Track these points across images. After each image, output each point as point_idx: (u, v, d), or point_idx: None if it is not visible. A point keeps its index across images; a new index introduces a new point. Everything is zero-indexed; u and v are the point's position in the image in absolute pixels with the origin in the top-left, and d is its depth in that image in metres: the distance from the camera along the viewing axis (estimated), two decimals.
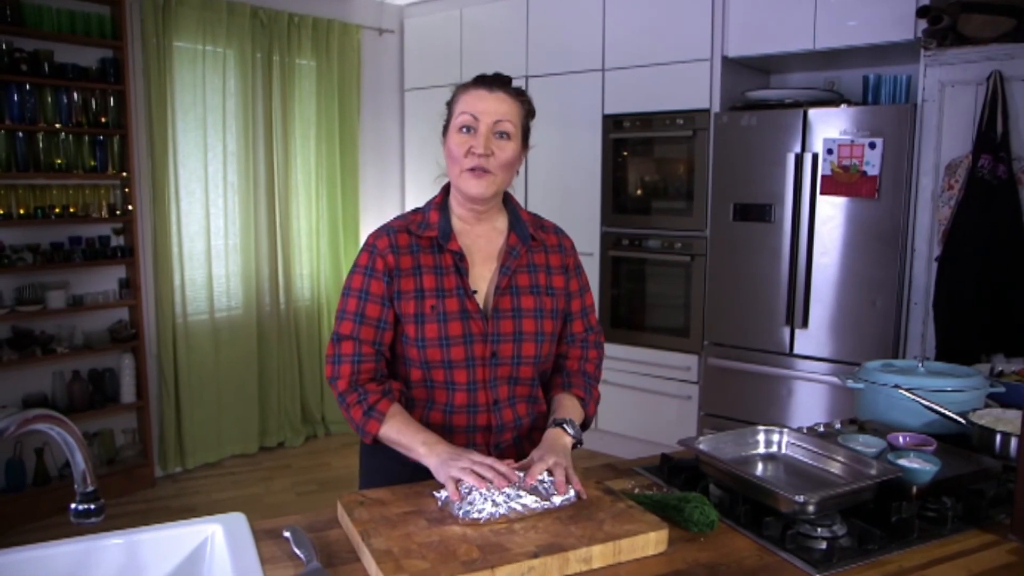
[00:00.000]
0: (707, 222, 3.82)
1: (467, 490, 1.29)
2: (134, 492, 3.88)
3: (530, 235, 1.62)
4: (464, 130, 1.51)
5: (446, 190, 1.64)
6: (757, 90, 3.78)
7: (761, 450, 1.58)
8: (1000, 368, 2.20)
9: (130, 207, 3.82)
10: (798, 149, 3.45)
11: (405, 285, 1.53)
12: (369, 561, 1.14)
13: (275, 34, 4.43)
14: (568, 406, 1.59)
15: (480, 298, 1.56)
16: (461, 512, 1.25)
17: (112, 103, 3.72)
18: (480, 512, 1.24)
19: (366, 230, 5.06)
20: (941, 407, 1.72)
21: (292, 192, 4.61)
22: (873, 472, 1.38)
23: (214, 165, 4.23)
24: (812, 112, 3.42)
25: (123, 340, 3.83)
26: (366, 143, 5.06)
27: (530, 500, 1.28)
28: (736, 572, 1.18)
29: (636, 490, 1.45)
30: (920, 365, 1.93)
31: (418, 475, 1.44)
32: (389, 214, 5.25)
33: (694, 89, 3.85)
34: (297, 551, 1.20)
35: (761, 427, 1.61)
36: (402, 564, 1.11)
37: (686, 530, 1.31)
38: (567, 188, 4.39)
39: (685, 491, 1.41)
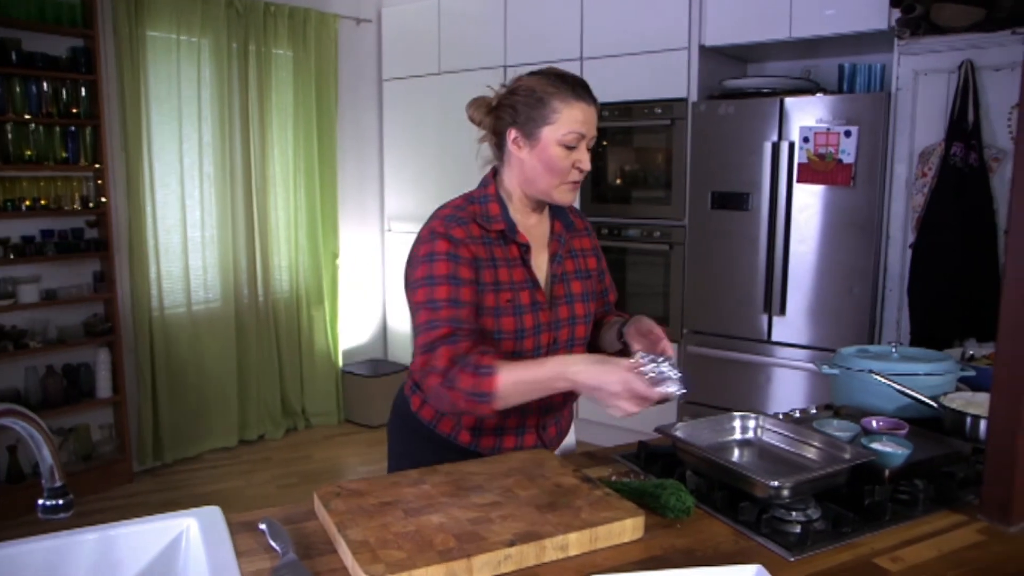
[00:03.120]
0: (686, 211, 3.84)
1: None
2: (112, 488, 3.85)
3: (571, 221, 1.69)
4: (568, 145, 1.51)
5: (492, 179, 1.62)
6: (735, 79, 3.79)
7: (737, 436, 1.59)
8: (972, 352, 2.22)
9: (104, 199, 3.77)
10: (775, 137, 3.47)
11: (485, 277, 1.52)
12: (345, 552, 1.14)
13: (251, 23, 4.38)
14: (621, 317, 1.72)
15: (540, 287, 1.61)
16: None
17: (84, 93, 3.67)
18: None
19: (345, 221, 5.05)
20: (914, 391, 1.74)
21: (270, 183, 4.58)
22: (846, 456, 1.40)
23: (190, 156, 4.19)
24: (788, 101, 3.44)
25: (98, 334, 3.79)
26: (344, 133, 5.03)
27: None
28: (712, 557, 1.19)
29: (613, 477, 1.46)
30: (894, 350, 1.95)
31: (446, 454, 1.51)
32: (369, 205, 5.26)
33: (672, 78, 3.86)
34: (273, 543, 1.20)
35: (737, 413, 1.62)
36: (378, 555, 1.10)
37: (663, 516, 1.31)
38: None
39: (662, 478, 1.42)
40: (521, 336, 1.54)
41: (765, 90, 3.63)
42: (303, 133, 4.68)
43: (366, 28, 5.11)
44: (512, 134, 1.54)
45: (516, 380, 1.39)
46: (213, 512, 1.28)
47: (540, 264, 1.61)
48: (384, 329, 5.43)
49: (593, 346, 1.74)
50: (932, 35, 3.10)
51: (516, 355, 1.53)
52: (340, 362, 5.01)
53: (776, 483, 1.28)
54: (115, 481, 3.88)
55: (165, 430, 4.14)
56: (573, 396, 1.67)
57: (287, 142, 4.63)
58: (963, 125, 3.01)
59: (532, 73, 1.56)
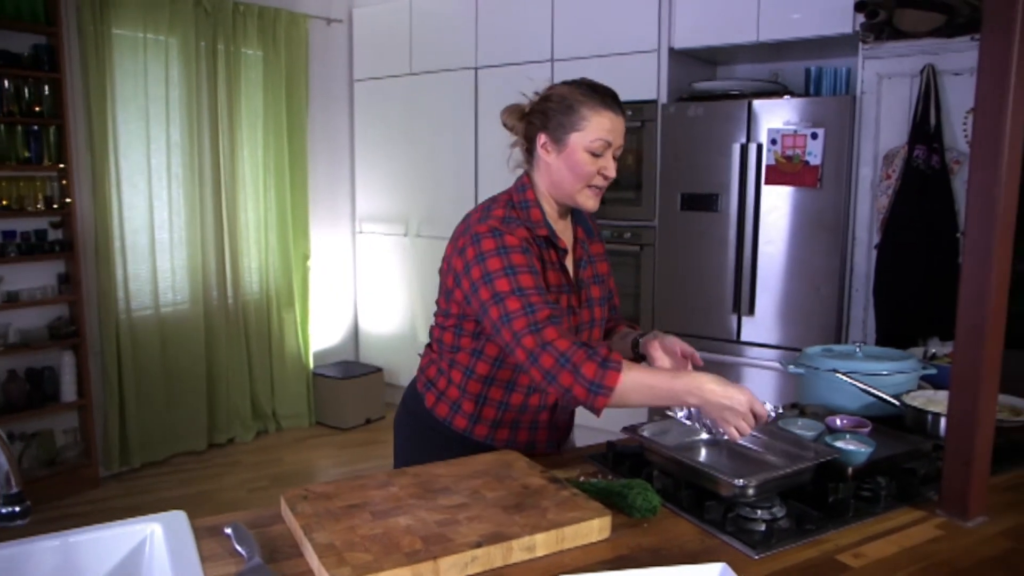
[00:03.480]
0: (656, 212, 3.86)
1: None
2: (77, 493, 3.79)
3: (591, 228, 1.76)
4: (595, 152, 1.55)
5: (528, 182, 1.65)
6: (704, 81, 3.83)
7: (703, 436, 1.60)
8: (934, 351, 2.27)
9: (68, 200, 3.71)
10: (743, 139, 3.51)
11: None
12: (311, 555, 1.13)
13: (220, 23, 4.34)
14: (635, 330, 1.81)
15: None
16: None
17: (47, 92, 3.61)
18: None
19: (316, 222, 5.01)
20: (876, 390, 1.77)
21: (239, 184, 4.53)
22: (810, 455, 1.42)
23: (158, 157, 4.13)
24: (756, 103, 3.47)
25: (63, 337, 3.73)
26: (315, 134, 4.99)
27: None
28: (678, 556, 1.21)
29: (581, 478, 1.46)
30: (858, 350, 1.98)
31: (460, 451, 1.57)
32: (340, 206, 5.24)
33: (642, 80, 3.88)
34: (239, 548, 1.19)
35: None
36: (345, 557, 1.10)
37: (629, 516, 1.32)
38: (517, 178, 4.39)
39: (629, 478, 1.43)
40: None
41: (733, 92, 3.67)
42: (273, 134, 4.64)
43: (337, 28, 5.09)
44: (542, 139, 1.59)
45: (638, 383, 1.40)
46: (178, 517, 1.27)
47: (569, 268, 1.68)
48: (356, 331, 5.40)
49: None
50: (895, 40, 3.15)
51: None
52: (311, 364, 4.98)
53: (741, 482, 1.29)
54: (80, 487, 3.82)
55: (132, 434, 4.07)
56: None
57: (257, 143, 4.58)
58: (925, 128, 3.07)
59: (565, 82, 1.61)
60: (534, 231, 1.58)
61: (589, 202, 1.60)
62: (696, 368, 1.58)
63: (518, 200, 1.62)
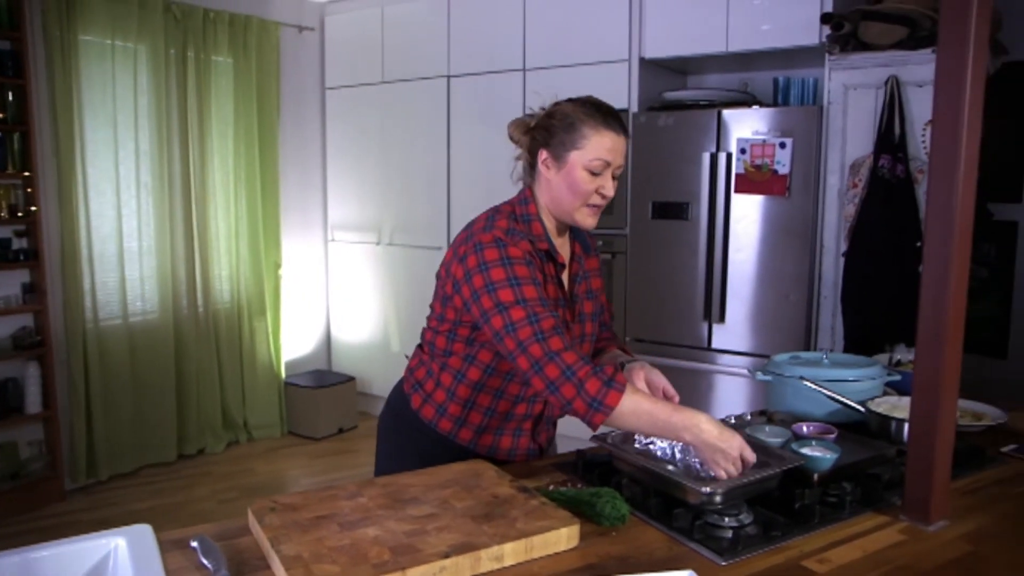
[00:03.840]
0: (627, 220, 3.89)
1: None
2: (42, 507, 3.72)
3: (588, 242, 1.77)
4: (594, 170, 1.56)
5: (530, 196, 1.67)
6: (674, 91, 3.87)
7: (673, 444, 1.61)
8: (899, 357, 2.31)
9: (34, 208, 3.65)
10: (713, 148, 3.55)
11: None
12: (279, 568, 1.13)
13: (190, 30, 4.31)
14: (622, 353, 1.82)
15: None
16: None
17: (11, 98, 3.55)
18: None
19: (287, 231, 4.98)
20: (842, 397, 1.80)
21: (210, 193, 4.49)
22: (776, 462, 1.44)
23: (126, 165, 4.09)
24: (726, 112, 3.52)
25: (27, 347, 3.66)
26: (286, 142, 4.96)
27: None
28: (646, 563, 1.21)
29: (550, 487, 1.47)
30: (825, 357, 2.01)
31: (443, 452, 1.62)
32: (312, 214, 5.21)
33: (613, 89, 3.91)
34: (204, 561, 1.17)
35: None
36: (312, 570, 1.09)
37: (598, 524, 1.33)
38: (490, 187, 4.39)
39: (598, 486, 1.43)
40: None
41: (703, 102, 3.71)
42: (244, 142, 4.61)
43: (309, 36, 5.07)
44: (543, 155, 1.61)
45: (638, 409, 1.42)
46: (143, 530, 1.25)
47: (565, 283, 1.70)
48: (328, 340, 5.37)
49: None
50: (860, 52, 3.21)
51: None
52: (283, 373, 4.94)
53: (708, 490, 1.31)
54: (45, 500, 3.75)
55: (100, 445, 4.01)
56: None
57: (227, 151, 4.55)
58: (890, 138, 3.12)
59: (571, 99, 1.62)
60: (535, 244, 1.60)
61: (587, 220, 1.61)
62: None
63: (520, 213, 1.64)
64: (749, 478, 1.36)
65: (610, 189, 1.58)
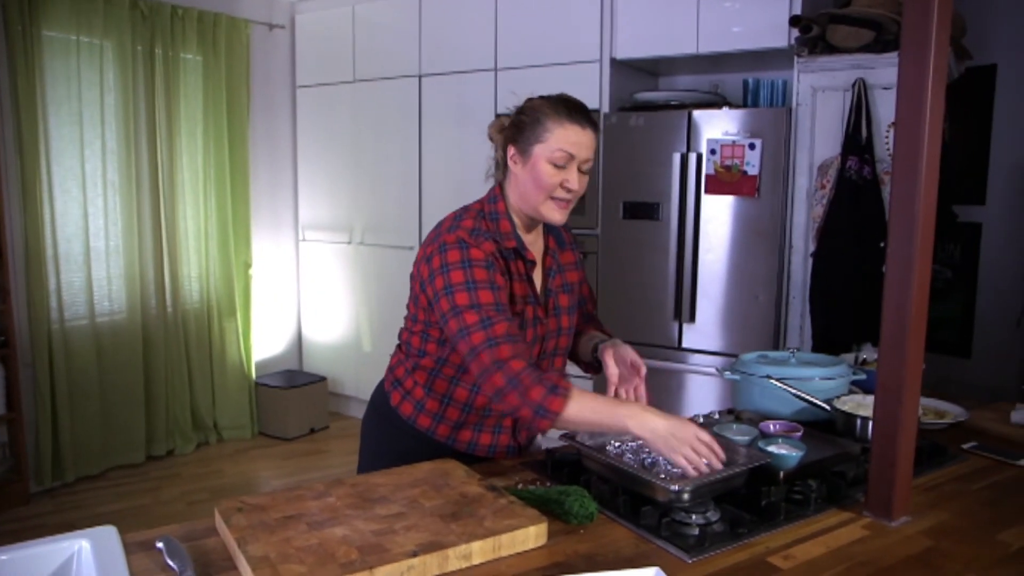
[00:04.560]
0: (598, 220, 3.91)
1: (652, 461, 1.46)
2: (5, 511, 3.65)
3: (563, 237, 1.77)
4: (558, 163, 1.56)
5: (499, 193, 1.67)
6: (645, 92, 3.89)
7: (641, 442, 1.62)
8: (865, 357, 2.34)
9: None
10: (683, 149, 3.57)
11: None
12: (245, 568, 1.12)
13: (157, 26, 4.25)
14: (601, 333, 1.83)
15: None
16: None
17: None
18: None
19: (258, 230, 4.94)
20: (808, 395, 1.82)
21: (179, 192, 4.43)
22: (742, 460, 1.45)
23: (92, 163, 4.02)
24: (696, 113, 3.55)
25: None
26: (257, 141, 4.92)
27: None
28: (613, 561, 1.22)
29: (519, 485, 1.48)
30: (792, 356, 2.03)
31: (424, 449, 1.64)
32: (282, 214, 5.17)
33: (585, 89, 3.92)
34: (170, 562, 1.16)
35: None
36: (279, 570, 1.09)
37: (567, 523, 1.34)
38: (461, 186, 4.39)
39: (567, 485, 1.44)
40: None
41: (674, 103, 3.74)
42: (214, 140, 4.56)
43: (279, 34, 5.03)
44: (511, 151, 1.62)
45: (581, 410, 1.44)
46: (107, 532, 1.23)
47: (537, 279, 1.70)
48: (299, 339, 5.33)
49: (570, 353, 1.86)
50: (828, 54, 3.25)
51: None
52: (253, 374, 4.89)
53: (676, 487, 1.32)
54: (9, 503, 3.68)
55: (66, 448, 3.94)
56: None
57: (197, 149, 4.50)
58: (857, 140, 3.17)
59: (542, 96, 1.63)
60: (502, 243, 1.60)
61: (554, 214, 1.61)
62: (639, 376, 1.65)
63: (488, 211, 1.64)
64: (717, 476, 1.37)
65: (575, 183, 1.58)
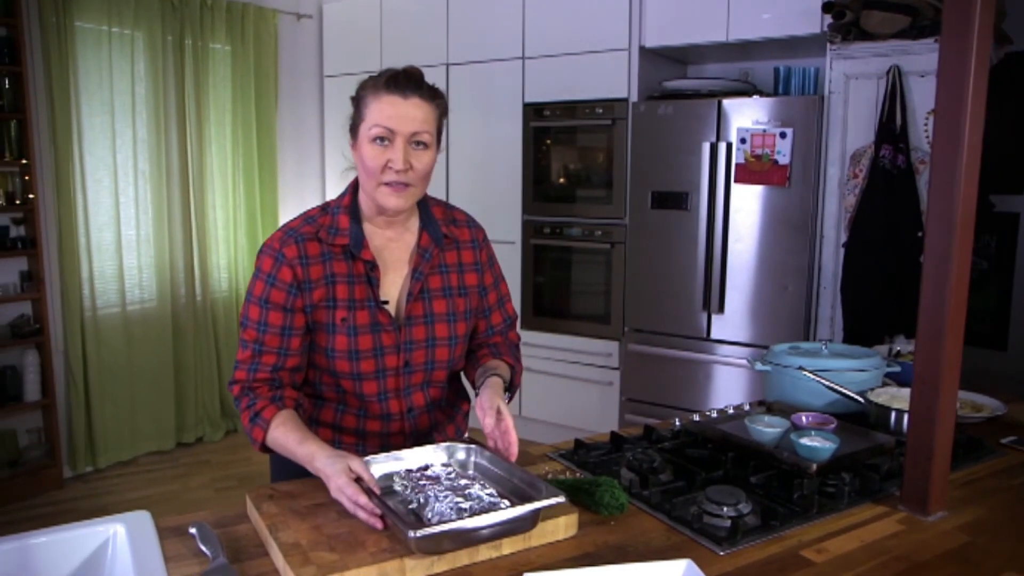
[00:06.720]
0: (626, 210, 3.88)
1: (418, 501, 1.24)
2: (40, 494, 3.72)
3: (443, 234, 1.56)
4: (378, 141, 1.40)
5: (354, 187, 1.53)
6: (674, 80, 3.85)
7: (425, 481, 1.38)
8: (899, 348, 2.30)
9: (31, 195, 3.63)
10: (713, 138, 3.53)
11: (316, 296, 1.46)
12: (276, 555, 1.13)
13: (187, 17, 4.28)
14: (499, 364, 1.59)
15: (392, 306, 1.51)
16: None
17: (7, 85, 3.53)
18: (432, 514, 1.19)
19: (286, 219, 4.95)
20: (841, 387, 1.80)
21: (207, 181, 4.47)
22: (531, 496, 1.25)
23: (123, 152, 4.07)
24: (726, 102, 3.50)
25: (26, 335, 3.66)
26: (284, 131, 4.94)
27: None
28: (644, 552, 1.21)
29: (549, 476, 1.47)
30: (824, 347, 2.01)
31: None
32: (310, 203, 5.17)
33: (613, 78, 3.90)
34: (203, 548, 1.17)
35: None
36: (310, 556, 1.09)
37: (597, 513, 1.33)
38: (489, 176, 4.39)
39: (597, 475, 1.43)
40: (355, 357, 1.47)
41: (703, 91, 3.69)
42: (242, 130, 4.59)
43: (307, 24, 5.04)
44: (350, 138, 1.49)
45: (277, 442, 1.40)
46: (142, 517, 1.25)
47: (395, 280, 1.52)
48: None
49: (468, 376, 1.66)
50: (862, 41, 3.19)
51: (353, 376, 1.48)
52: None
53: (414, 533, 1.08)
54: (44, 488, 3.75)
55: (98, 434, 4.01)
56: (460, 409, 1.69)
57: (225, 139, 4.53)
58: (891, 128, 3.11)
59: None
60: (330, 242, 1.46)
61: (388, 200, 1.43)
62: (504, 423, 1.40)
63: (333, 205, 1.52)
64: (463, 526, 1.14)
65: (399, 161, 1.39)
